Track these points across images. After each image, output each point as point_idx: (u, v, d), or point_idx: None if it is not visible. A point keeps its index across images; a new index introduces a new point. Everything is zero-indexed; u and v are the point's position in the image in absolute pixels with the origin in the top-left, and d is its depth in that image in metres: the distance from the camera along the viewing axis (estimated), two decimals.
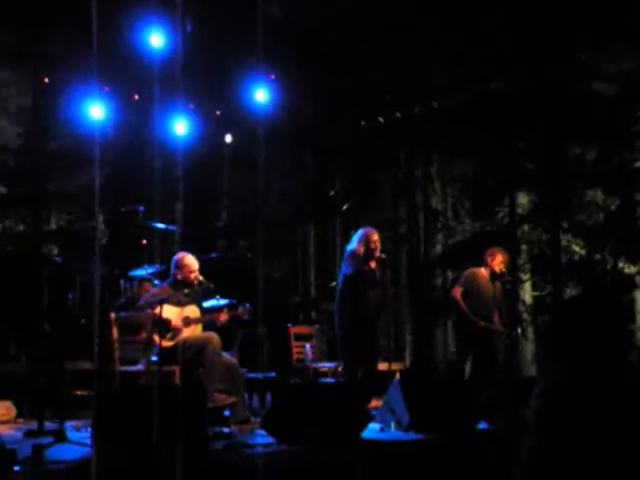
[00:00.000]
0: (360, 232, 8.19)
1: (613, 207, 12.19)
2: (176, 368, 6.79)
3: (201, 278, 7.37)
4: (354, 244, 8.14)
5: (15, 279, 9.05)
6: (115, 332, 7.09)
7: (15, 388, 7.67)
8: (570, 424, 2.63)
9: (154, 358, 6.91)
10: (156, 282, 8.46)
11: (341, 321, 8.13)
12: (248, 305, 7.53)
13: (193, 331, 7.25)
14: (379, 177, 13.78)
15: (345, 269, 8.11)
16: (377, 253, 8.03)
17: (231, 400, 6.93)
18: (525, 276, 12.95)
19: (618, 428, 2.61)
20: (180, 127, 10.60)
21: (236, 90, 10.89)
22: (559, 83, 11.48)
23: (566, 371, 2.73)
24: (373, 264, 8.06)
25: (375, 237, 8.13)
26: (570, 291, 12.38)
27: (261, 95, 10.50)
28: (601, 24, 11.04)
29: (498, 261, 8.81)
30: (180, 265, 7.38)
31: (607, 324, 2.76)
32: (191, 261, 7.40)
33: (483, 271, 8.84)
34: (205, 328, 7.40)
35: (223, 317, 7.42)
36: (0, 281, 9.05)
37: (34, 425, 6.52)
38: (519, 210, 12.72)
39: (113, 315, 7.21)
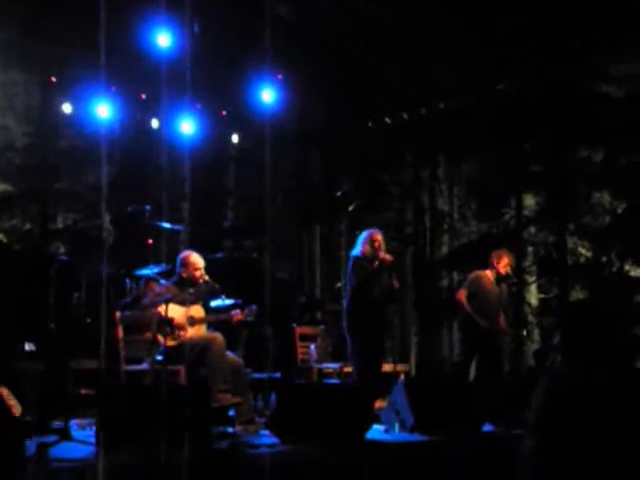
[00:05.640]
0: (364, 234, 8.19)
1: (620, 210, 12.18)
2: (181, 367, 6.78)
3: (206, 277, 7.35)
4: (358, 247, 8.15)
5: (21, 277, 9.05)
6: (120, 331, 7.09)
7: (20, 386, 7.67)
8: (572, 425, 2.63)
9: (159, 357, 6.91)
10: (162, 281, 8.45)
11: (352, 327, 8.15)
12: (254, 307, 7.50)
13: (197, 331, 7.23)
14: (386, 178, 13.79)
15: (351, 277, 8.13)
16: (382, 253, 8.01)
17: (236, 400, 6.92)
18: (531, 278, 12.93)
19: (620, 431, 2.61)
20: (187, 127, 10.61)
21: (243, 90, 10.88)
22: (566, 85, 11.47)
23: (575, 373, 2.73)
24: (382, 258, 8.02)
25: (379, 237, 8.11)
26: (576, 293, 12.37)
27: (268, 95, 10.49)
28: (609, 26, 11.03)
29: (504, 263, 8.79)
30: (185, 263, 7.35)
31: (614, 328, 2.76)
32: (196, 259, 7.36)
33: (488, 273, 8.82)
34: (210, 327, 7.40)
35: (238, 317, 7.38)
36: (6, 279, 9.05)
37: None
38: (525, 212, 12.72)
39: (118, 314, 7.21)
